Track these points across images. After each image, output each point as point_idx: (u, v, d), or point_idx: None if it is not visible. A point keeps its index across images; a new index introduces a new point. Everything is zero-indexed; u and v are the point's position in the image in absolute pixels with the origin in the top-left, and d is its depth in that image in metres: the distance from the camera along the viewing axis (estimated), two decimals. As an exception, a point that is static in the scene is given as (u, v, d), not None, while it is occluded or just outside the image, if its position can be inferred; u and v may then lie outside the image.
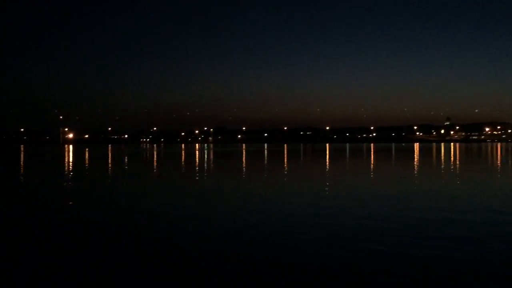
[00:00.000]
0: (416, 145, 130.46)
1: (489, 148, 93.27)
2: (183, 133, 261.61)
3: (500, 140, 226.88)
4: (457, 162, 41.40)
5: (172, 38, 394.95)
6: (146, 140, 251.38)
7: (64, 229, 10.87)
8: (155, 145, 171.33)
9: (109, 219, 12.25)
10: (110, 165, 40.11)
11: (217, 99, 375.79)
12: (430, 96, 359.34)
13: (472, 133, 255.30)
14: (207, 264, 7.77)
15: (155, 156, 62.97)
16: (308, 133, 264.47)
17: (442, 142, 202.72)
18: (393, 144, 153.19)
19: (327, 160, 46.61)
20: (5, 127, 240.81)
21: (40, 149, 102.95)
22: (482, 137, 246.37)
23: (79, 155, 66.09)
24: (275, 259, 8.09)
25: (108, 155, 66.23)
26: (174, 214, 12.93)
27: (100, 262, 7.90)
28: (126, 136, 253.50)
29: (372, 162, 42.96)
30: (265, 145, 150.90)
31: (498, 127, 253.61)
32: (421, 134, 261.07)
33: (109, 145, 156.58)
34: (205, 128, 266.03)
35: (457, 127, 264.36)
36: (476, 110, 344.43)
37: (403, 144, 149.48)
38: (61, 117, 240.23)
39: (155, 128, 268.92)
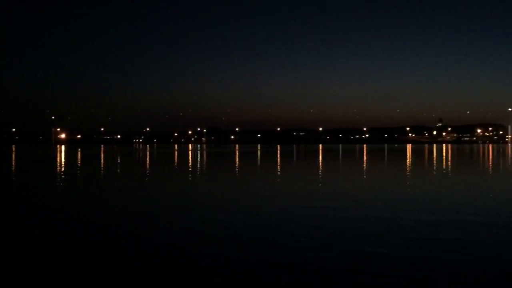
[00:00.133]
0: (409, 146, 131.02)
1: (481, 150, 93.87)
2: (176, 134, 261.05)
3: (492, 141, 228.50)
4: (449, 164, 41.63)
5: (165, 38, 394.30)
6: (138, 140, 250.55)
7: (54, 230, 10.79)
8: (148, 145, 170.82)
9: (102, 221, 12.18)
10: (102, 166, 39.94)
11: (211, 99, 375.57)
12: (423, 98, 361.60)
13: (464, 135, 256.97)
14: (203, 266, 7.75)
15: (147, 156, 62.78)
16: (301, 134, 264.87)
17: (434, 143, 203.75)
18: (386, 145, 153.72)
19: (320, 161, 46.69)
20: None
21: (31, 150, 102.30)
22: (474, 138, 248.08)
23: (71, 155, 65.75)
24: (271, 261, 8.07)
25: (100, 155, 65.94)
26: (168, 216, 12.88)
27: (94, 265, 7.86)
28: (119, 136, 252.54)
29: (364, 163, 43.10)
30: (259, 146, 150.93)
31: (490, 129, 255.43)
32: (413, 135, 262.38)
33: (102, 146, 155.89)
34: (198, 129, 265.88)
35: (449, 129, 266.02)
36: (468, 112, 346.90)
37: (396, 145, 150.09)
38: (53, 117, 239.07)
39: (148, 129, 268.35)
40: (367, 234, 10.10)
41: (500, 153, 69.58)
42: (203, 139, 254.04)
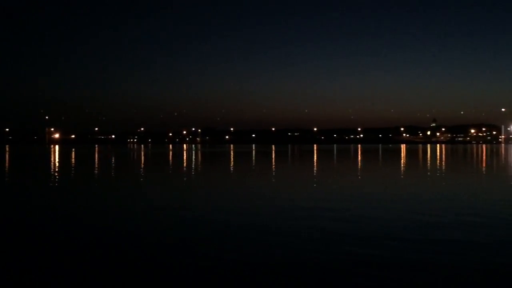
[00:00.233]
0: (403, 147, 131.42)
1: (474, 150, 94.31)
2: (170, 134, 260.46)
3: (485, 141, 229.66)
4: (443, 164, 41.79)
5: (159, 39, 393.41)
6: (133, 140, 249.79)
7: (45, 232, 10.74)
8: (142, 145, 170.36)
9: (96, 223, 12.12)
10: (96, 167, 39.78)
11: (205, 99, 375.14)
12: (417, 98, 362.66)
13: (458, 135, 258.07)
14: (199, 268, 7.74)
15: (142, 157, 62.60)
16: (296, 134, 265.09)
17: (428, 143, 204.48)
18: (380, 145, 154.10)
19: (315, 162, 46.73)
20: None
21: (24, 150, 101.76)
22: (468, 138, 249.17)
23: (64, 156, 65.44)
24: (267, 263, 8.08)
25: (94, 155, 65.68)
26: (164, 217, 12.84)
27: (88, 268, 7.82)
28: (113, 136, 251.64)
29: (359, 164, 43.19)
30: (253, 146, 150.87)
31: (483, 129, 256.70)
32: (407, 135, 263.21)
33: (96, 146, 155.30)
34: (193, 129, 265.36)
35: (443, 129, 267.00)
36: (462, 112, 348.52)
37: (390, 145, 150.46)
38: (47, 117, 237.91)
39: (142, 129, 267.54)
40: (363, 236, 10.12)
41: (493, 153, 69.93)
42: (198, 139, 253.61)
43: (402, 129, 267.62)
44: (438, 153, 71.63)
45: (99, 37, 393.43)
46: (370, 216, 12.57)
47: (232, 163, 44.48)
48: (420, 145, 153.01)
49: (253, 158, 56.09)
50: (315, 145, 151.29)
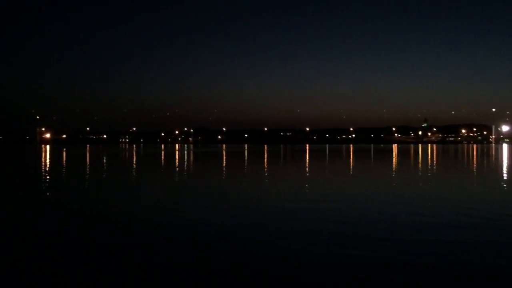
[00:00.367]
0: (395, 146, 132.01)
1: (465, 150, 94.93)
2: (162, 134, 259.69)
3: (476, 141, 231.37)
4: (434, 164, 42.00)
5: (151, 39, 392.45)
6: (125, 140, 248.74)
7: (37, 232, 10.61)
8: (134, 145, 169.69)
9: (89, 226, 12.00)
10: (88, 167, 39.52)
11: (198, 99, 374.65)
12: (408, 99, 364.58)
13: (449, 135, 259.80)
14: (195, 271, 7.67)
15: (134, 157, 62.31)
16: (288, 134, 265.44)
17: (419, 143, 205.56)
18: (372, 145, 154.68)
19: (307, 162, 46.77)
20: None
21: (15, 150, 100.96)
22: (459, 138, 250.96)
23: (55, 156, 64.99)
24: (264, 264, 8.03)
25: (85, 155, 65.26)
26: (157, 219, 12.73)
27: (80, 272, 7.72)
28: (105, 136, 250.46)
29: (351, 164, 43.29)
30: (246, 145, 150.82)
31: (474, 129, 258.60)
32: (399, 135, 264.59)
33: (87, 146, 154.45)
34: (185, 129, 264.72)
35: (434, 129, 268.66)
36: (453, 112, 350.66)
37: (382, 145, 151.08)
38: (38, 117, 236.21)
39: (134, 129, 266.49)
40: (359, 237, 10.09)
41: (484, 153, 70.42)
42: (190, 139, 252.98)
43: (393, 129, 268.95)
44: (429, 153, 71.99)
45: (91, 37, 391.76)
46: (365, 217, 12.55)
47: (224, 163, 44.38)
48: (412, 145, 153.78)
49: (246, 158, 56.01)
50: (307, 145, 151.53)
